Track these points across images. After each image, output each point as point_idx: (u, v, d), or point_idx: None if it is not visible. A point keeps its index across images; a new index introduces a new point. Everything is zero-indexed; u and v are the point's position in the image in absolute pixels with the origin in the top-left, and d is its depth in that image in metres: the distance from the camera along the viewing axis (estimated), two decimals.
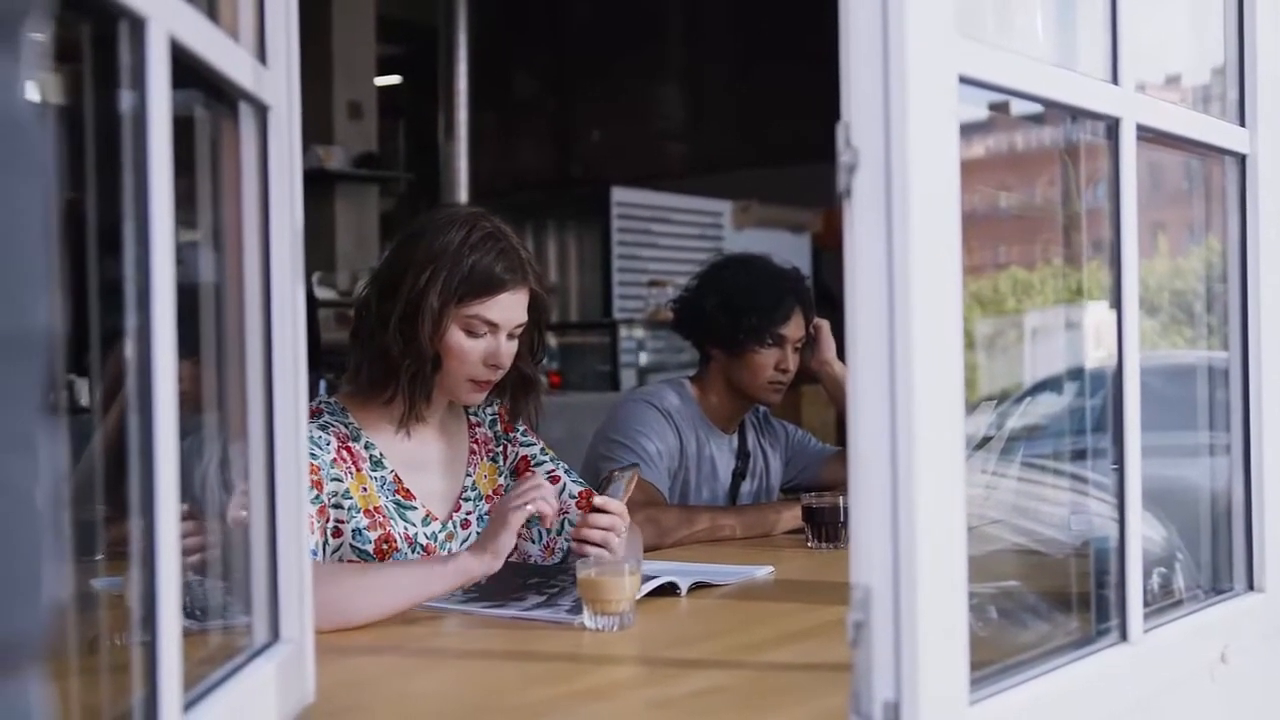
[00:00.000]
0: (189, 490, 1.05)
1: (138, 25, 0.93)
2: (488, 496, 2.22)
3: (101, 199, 0.97)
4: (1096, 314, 1.75)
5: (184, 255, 1.01)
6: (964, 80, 1.17)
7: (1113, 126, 1.43)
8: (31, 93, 0.58)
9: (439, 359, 2.07)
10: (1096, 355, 1.77)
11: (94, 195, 0.99)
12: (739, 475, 2.99)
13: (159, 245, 0.94)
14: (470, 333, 2.06)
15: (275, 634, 1.30)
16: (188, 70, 1.04)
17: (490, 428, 2.27)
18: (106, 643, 1.19)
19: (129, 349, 0.94)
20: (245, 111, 1.26)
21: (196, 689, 1.09)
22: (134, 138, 0.94)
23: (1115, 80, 1.43)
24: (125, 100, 0.95)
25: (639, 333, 7.16)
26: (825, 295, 5.48)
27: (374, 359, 2.08)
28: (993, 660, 1.26)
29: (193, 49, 1.04)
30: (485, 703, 1.47)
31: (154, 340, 0.94)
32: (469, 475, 2.21)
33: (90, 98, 1.02)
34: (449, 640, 1.73)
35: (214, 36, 1.11)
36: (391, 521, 2.06)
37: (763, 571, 2.24)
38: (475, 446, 2.24)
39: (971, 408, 1.19)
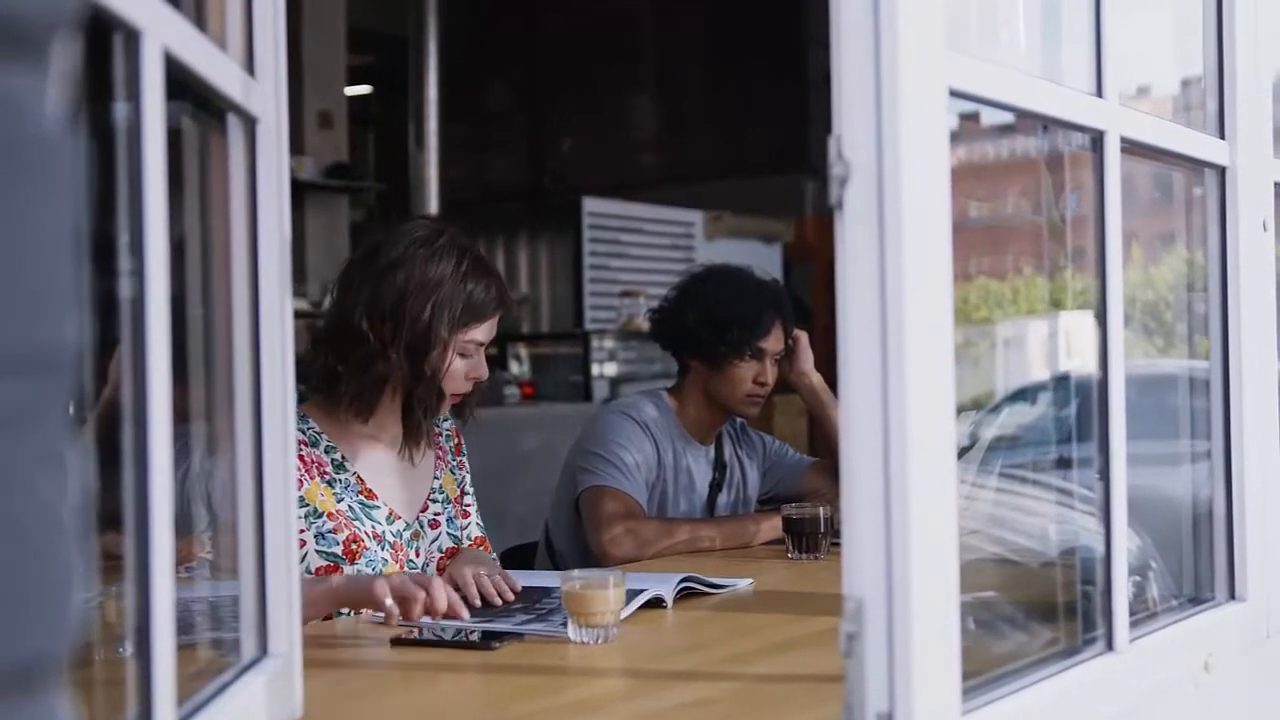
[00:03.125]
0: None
1: (132, 37, 0.92)
2: (453, 500, 2.30)
3: (91, 210, 0.96)
4: (1070, 323, 1.76)
5: (171, 267, 1.00)
6: (954, 93, 1.18)
7: (1097, 139, 1.44)
8: (59, 110, 0.58)
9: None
10: (1071, 365, 1.78)
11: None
12: (716, 487, 2.98)
13: (153, 257, 0.94)
14: (463, 354, 2.16)
15: (264, 649, 1.29)
16: (178, 82, 1.03)
17: (447, 441, 2.35)
18: (91, 657, 1.18)
19: (123, 361, 0.93)
20: (233, 123, 1.25)
21: (186, 705, 1.08)
22: (129, 150, 0.93)
23: (1100, 93, 1.44)
24: (118, 111, 0.94)
25: (611, 343, 7.15)
26: (797, 305, 5.49)
27: (371, 384, 2.11)
28: (983, 670, 1.27)
29: (185, 61, 1.03)
30: (473, 716, 1.46)
31: (148, 352, 0.93)
32: (436, 478, 2.28)
33: (81, 108, 1.01)
34: (436, 655, 1.72)
35: (205, 49, 1.10)
36: (357, 521, 2.10)
37: (743, 584, 2.23)
38: (440, 452, 2.31)
39: None
